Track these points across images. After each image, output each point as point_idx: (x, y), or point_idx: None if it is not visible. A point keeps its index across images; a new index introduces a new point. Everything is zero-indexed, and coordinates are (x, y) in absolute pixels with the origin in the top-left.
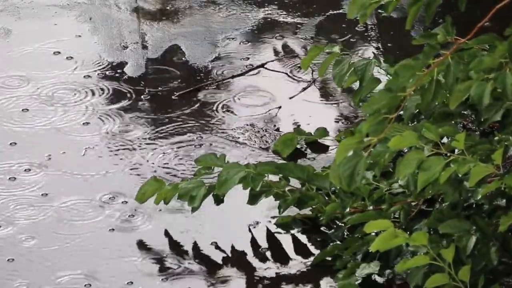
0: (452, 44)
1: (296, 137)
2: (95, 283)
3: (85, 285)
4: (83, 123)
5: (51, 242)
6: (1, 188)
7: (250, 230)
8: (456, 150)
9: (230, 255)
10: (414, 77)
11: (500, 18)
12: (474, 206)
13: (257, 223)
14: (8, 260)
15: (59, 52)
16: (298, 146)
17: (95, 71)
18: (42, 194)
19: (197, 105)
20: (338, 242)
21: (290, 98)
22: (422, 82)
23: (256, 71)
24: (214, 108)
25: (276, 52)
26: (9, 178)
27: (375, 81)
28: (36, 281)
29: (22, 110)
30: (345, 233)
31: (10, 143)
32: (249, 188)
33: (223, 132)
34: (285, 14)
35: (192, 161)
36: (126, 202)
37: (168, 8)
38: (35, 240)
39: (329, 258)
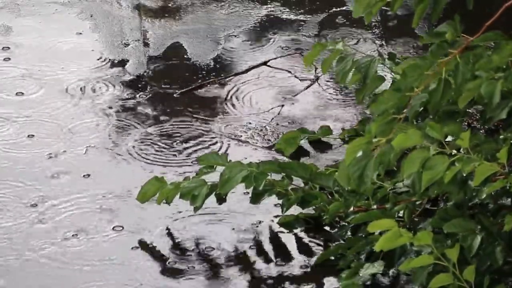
0: (458, 43)
1: (299, 135)
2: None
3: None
4: (84, 121)
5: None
6: None
7: (253, 229)
8: (461, 149)
9: (232, 254)
10: (422, 77)
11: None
12: (479, 205)
13: (260, 222)
14: None
15: (59, 50)
16: (301, 145)
17: (96, 69)
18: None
19: (199, 103)
20: (342, 242)
21: (293, 96)
22: (430, 82)
23: (258, 68)
24: (216, 106)
25: (279, 50)
26: None
27: (379, 78)
28: None
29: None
30: (349, 233)
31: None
32: (252, 187)
33: (225, 131)
34: (288, 11)
35: (194, 160)
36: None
37: (170, 5)
38: None
39: (333, 258)
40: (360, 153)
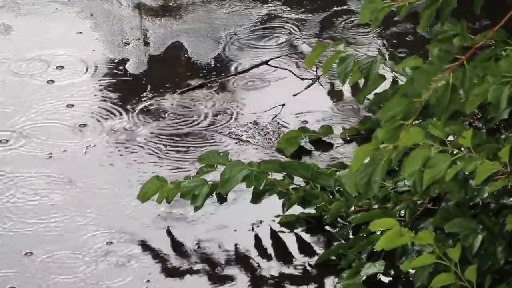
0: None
1: (300, 134)
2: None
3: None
4: (85, 121)
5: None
6: None
7: (253, 229)
8: (462, 148)
9: (233, 254)
10: (429, 82)
11: None
12: (480, 204)
13: (261, 222)
14: None
15: (60, 50)
16: (302, 144)
17: (96, 68)
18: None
19: (199, 103)
20: (343, 241)
21: (294, 95)
22: (438, 89)
23: (259, 67)
24: (217, 106)
25: (279, 49)
26: None
27: (380, 77)
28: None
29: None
30: (350, 232)
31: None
32: (253, 187)
33: (226, 130)
34: (289, 10)
35: (195, 159)
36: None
37: (170, 4)
38: None
39: (334, 257)
40: (367, 160)
